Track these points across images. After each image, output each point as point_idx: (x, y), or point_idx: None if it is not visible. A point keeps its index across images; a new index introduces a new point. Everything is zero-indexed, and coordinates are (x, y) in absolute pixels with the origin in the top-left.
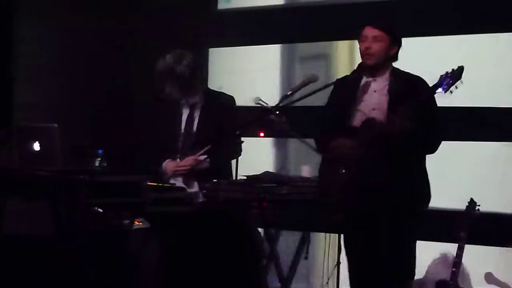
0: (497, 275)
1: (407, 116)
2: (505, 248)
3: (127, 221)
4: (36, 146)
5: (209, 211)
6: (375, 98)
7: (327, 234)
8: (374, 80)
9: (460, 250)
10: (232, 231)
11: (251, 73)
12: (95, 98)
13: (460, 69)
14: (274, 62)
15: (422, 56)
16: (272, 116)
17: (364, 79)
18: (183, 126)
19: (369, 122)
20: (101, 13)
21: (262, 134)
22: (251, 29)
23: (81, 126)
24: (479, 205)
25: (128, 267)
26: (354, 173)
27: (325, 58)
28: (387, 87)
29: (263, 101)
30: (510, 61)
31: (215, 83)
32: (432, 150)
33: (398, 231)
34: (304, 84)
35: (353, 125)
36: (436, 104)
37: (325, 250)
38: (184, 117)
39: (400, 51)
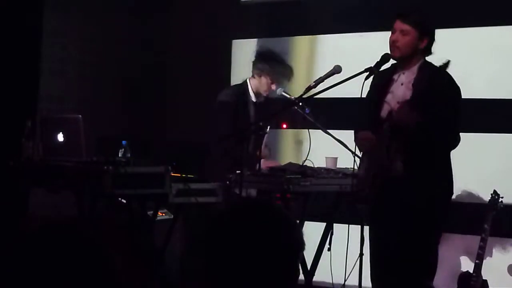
0: None
1: (417, 109)
2: None
3: (151, 212)
4: (60, 137)
5: (248, 201)
6: (401, 91)
7: (350, 226)
8: (403, 73)
9: (484, 242)
10: (273, 222)
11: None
12: (120, 90)
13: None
14: (306, 54)
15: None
16: (296, 108)
17: (398, 72)
18: None
19: (391, 114)
20: (127, 7)
21: (285, 126)
22: (274, 21)
23: (106, 117)
24: (502, 197)
25: (153, 257)
26: (372, 165)
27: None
28: (413, 80)
29: (286, 93)
30: None
31: (239, 74)
32: (447, 146)
33: (415, 225)
34: (328, 75)
35: (380, 116)
36: (456, 103)
37: (348, 242)
38: None
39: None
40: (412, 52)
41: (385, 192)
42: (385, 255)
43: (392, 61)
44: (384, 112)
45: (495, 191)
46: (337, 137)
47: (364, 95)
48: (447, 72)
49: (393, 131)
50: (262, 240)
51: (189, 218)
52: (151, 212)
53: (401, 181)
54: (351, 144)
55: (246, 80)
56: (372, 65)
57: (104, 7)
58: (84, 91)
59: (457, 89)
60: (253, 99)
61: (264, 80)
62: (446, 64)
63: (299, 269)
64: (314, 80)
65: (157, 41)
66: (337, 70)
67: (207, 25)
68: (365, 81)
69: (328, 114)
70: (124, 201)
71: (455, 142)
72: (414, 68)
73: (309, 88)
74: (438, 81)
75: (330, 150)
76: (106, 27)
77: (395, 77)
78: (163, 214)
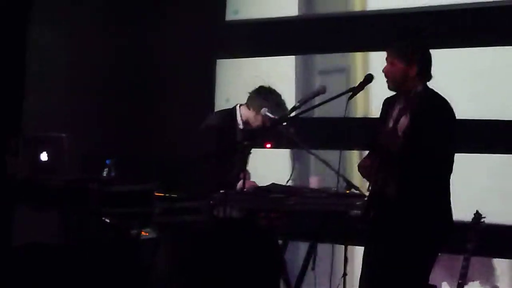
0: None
1: (400, 133)
2: None
3: (135, 231)
4: (44, 156)
5: (231, 221)
6: (400, 117)
7: (334, 246)
8: (404, 100)
9: (466, 262)
10: (254, 242)
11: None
12: (105, 108)
13: None
14: (287, 74)
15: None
16: (280, 128)
17: (400, 98)
18: None
19: (379, 140)
20: (113, 23)
21: (269, 146)
22: (259, 40)
23: (91, 135)
24: (484, 217)
25: (137, 276)
26: (372, 190)
27: (344, 72)
28: (410, 107)
29: (269, 113)
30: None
31: (223, 94)
32: (439, 171)
33: (405, 251)
34: (313, 95)
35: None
36: (446, 129)
37: (332, 261)
38: None
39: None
40: (403, 80)
41: (380, 215)
42: (374, 277)
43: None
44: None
45: (477, 212)
46: (321, 157)
47: (348, 115)
48: (442, 98)
49: (382, 155)
50: (243, 259)
51: (173, 237)
52: (136, 231)
53: (394, 204)
54: (335, 164)
55: (236, 106)
56: (355, 85)
57: (90, 26)
58: (69, 109)
59: (449, 113)
60: (241, 126)
61: (257, 116)
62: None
63: (279, 287)
64: (299, 100)
65: (143, 60)
66: (321, 90)
67: (191, 44)
68: (349, 101)
69: (312, 133)
70: (108, 220)
71: (446, 167)
72: (412, 95)
73: (293, 108)
74: (432, 107)
75: (314, 169)
76: (91, 45)
77: (397, 103)
78: (147, 234)
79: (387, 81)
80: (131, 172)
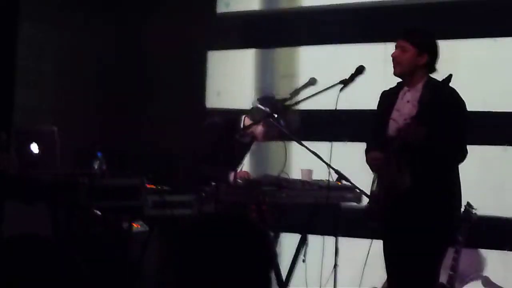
0: (494, 279)
1: (425, 125)
2: (502, 251)
3: (126, 224)
4: (35, 149)
5: (222, 214)
6: (407, 108)
7: (325, 237)
8: (409, 90)
9: (457, 254)
10: (246, 233)
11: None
12: (95, 101)
13: None
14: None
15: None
16: (271, 120)
17: (404, 90)
18: None
19: (399, 131)
20: (103, 17)
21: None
22: (251, 32)
23: (81, 129)
24: (475, 209)
25: (128, 269)
26: (384, 183)
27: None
28: (418, 98)
29: (261, 105)
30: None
31: (213, 87)
32: (455, 160)
33: (425, 241)
34: (303, 87)
35: (387, 134)
36: (461, 118)
37: (323, 253)
38: None
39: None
40: (411, 68)
41: (398, 208)
42: (400, 270)
43: (396, 78)
44: (391, 130)
45: (468, 203)
46: (312, 149)
47: (339, 107)
48: (451, 87)
49: (402, 148)
50: (234, 252)
51: (165, 230)
52: (127, 224)
53: (412, 196)
54: (326, 156)
55: (242, 115)
56: (347, 77)
57: (79, 19)
58: (60, 103)
59: (461, 104)
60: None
61: (259, 127)
62: (448, 79)
63: (271, 281)
64: (290, 92)
65: (134, 53)
66: (312, 82)
67: (182, 36)
68: (340, 93)
69: (303, 126)
70: (99, 213)
71: (463, 156)
72: (419, 86)
73: (284, 100)
74: (443, 97)
75: (305, 162)
76: (81, 39)
77: (401, 95)
78: (139, 226)
79: (394, 66)
80: (122, 165)
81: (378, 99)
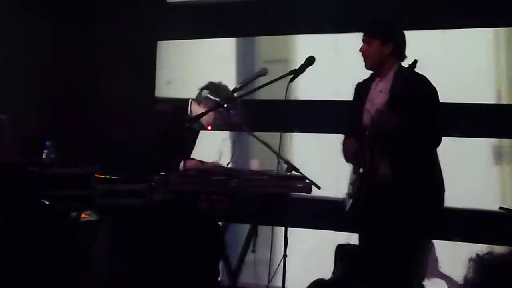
0: (442, 268)
1: (397, 112)
2: (450, 242)
3: (74, 214)
4: None
5: (170, 202)
6: (380, 98)
7: (274, 228)
8: (381, 80)
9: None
10: (193, 222)
11: (202, 67)
12: (44, 89)
13: None
14: (229, 56)
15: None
16: (221, 109)
17: (376, 80)
18: None
19: (372, 120)
20: (51, 4)
21: (209, 128)
22: (201, 22)
23: (30, 117)
24: None
25: (76, 259)
26: (363, 172)
27: (285, 63)
28: (389, 86)
29: (211, 95)
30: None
31: (163, 76)
32: (429, 146)
33: (404, 230)
34: (254, 77)
35: (362, 124)
36: (433, 104)
37: (272, 244)
38: None
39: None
40: (379, 59)
41: (373, 197)
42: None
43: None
44: (366, 120)
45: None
46: (261, 139)
47: (288, 98)
48: (420, 74)
49: (376, 137)
50: (182, 239)
51: (114, 219)
52: (75, 213)
53: (389, 185)
54: (275, 146)
55: (188, 100)
56: (297, 68)
57: (30, 7)
58: (8, 91)
59: (431, 89)
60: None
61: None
62: (413, 64)
63: (219, 270)
64: (240, 82)
65: (82, 41)
66: (262, 72)
67: (131, 25)
68: (290, 83)
69: (253, 116)
70: (48, 203)
71: (437, 143)
72: (390, 75)
73: (234, 90)
74: (413, 84)
75: (255, 151)
76: (30, 27)
77: (373, 85)
78: (87, 216)
79: (364, 60)
80: (72, 154)
81: (353, 91)
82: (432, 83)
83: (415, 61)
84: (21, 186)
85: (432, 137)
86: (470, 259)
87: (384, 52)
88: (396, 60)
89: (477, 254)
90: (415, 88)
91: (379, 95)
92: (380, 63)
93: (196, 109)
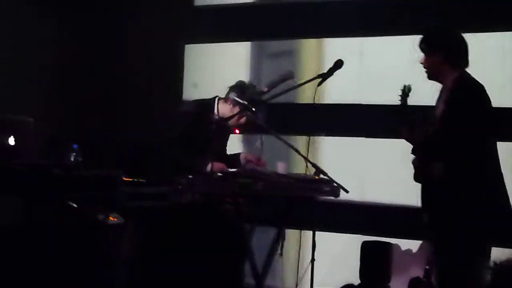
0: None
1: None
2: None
3: (101, 216)
4: (11, 140)
5: (196, 206)
6: (440, 106)
7: (302, 231)
8: (443, 90)
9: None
10: (219, 225)
11: (224, 69)
12: (70, 93)
13: None
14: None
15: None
16: (248, 113)
17: (441, 89)
18: None
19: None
20: (78, 8)
21: (237, 131)
22: (227, 25)
23: (57, 120)
24: None
25: (103, 261)
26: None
27: (292, 55)
28: (446, 97)
29: (238, 98)
30: None
31: (191, 79)
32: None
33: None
34: (281, 80)
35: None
36: (470, 114)
37: (299, 247)
38: None
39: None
40: (434, 69)
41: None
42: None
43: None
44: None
45: None
46: (289, 142)
47: (317, 101)
48: (472, 83)
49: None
50: (206, 243)
51: (140, 222)
52: (102, 216)
53: (441, 186)
54: (303, 150)
55: (215, 98)
56: (325, 71)
57: (53, 8)
58: (35, 93)
59: (473, 100)
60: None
61: (233, 109)
62: (405, 89)
63: (243, 273)
64: (267, 85)
65: (111, 44)
66: (290, 75)
67: (160, 28)
68: (318, 87)
69: (281, 119)
70: (75, 205)
71: (483, 153)
72: (449, 84)
73: (262, 93)
74: (459, 94)
75: (281, 155)
76: (55, 28)
77: (441, 93)
78: (115, 219)
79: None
80: (99, 157)
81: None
82: (483, 91)
83: (404, 86)
84: (48, 189)
85: (476, 147)
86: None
87: (435, 62)
88: (453, 68)
89: (495, 262)
90: (460, 98)
91: (439, 105)
92: (435, 73)
93: (223, 108)
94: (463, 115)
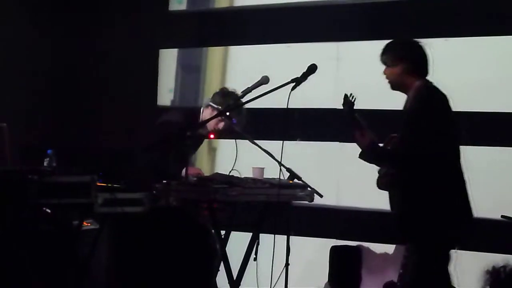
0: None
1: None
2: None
3: (76, 222)
4: None
5: (164, 211)
6: (405, 115)
7: (276, 236)
8: (407, 100)
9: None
10: (187, 230)
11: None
12: (45, 99)
13: None
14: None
15: None
16: (222, 118)
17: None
18: None
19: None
20: (53, 14)
21: (212, 136)
22: (203, 30)
23: (31, 126)
24: None
25: (77, 267)
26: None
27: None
28: (411, 105)
29: (213, 104)
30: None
31: (166, 84)
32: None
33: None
34: (255, 86)
35: None
36: (433, 126)
37: (273, 252)
38: None
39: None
40: (395, 81)
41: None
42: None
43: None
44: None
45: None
46: (263, 147)
47: (290, 106)
48: (431, 92)
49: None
50: (174, 247)
51: (115, 228)
52: (77, 222)
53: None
54: (277, 154)
55: (200, 107)
56: (299, 76)
57: (30, 17)
58: (8, 100)
59: (425, 108)
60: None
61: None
62: (346, 98)
63: (212, 276)
64: (242, 90)
65: (85, 50)
66: (264, 80)
67: (134, 33)
68: (291, 91)
69: (254, 124)
70: (49, 211)
71: (441, 162)
72: (411, 93)
73: (236, 99)
74: (419, 104)
75: (257, 160)
76: (31, 35)
77: (406, 102)
78: (89, 224)
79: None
80: (73, 163)
81: None
82: (449, 101)
83: (346, 96)
84: (21, 195)
85: (434, 157)
86: (486, 271)
87: (395, 72)
88: (415, 77)
89: (493, 266)
90: (418, 107)
91: (404, 114)
92: (397, 84)
93: (205, 114)
94: (424, 124)
